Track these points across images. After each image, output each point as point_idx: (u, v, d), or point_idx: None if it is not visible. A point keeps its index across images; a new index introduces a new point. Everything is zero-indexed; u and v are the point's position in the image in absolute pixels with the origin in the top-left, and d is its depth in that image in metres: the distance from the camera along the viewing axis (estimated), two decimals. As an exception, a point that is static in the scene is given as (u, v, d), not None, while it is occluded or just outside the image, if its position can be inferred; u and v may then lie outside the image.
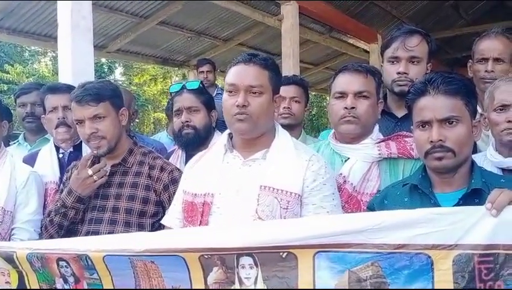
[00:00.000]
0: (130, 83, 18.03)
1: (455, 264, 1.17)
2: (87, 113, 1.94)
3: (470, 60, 2.34)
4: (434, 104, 1.41)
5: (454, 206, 1.37)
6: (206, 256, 1.36)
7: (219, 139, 1.76)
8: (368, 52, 8.16)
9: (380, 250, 1.21)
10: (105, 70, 16.65)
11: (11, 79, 13.50)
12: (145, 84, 18.44)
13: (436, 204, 1.42)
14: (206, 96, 2.34)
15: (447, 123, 1.40)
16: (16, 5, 5.33)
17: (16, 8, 5.42)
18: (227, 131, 1.73)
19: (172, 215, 1.77)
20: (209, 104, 2.33)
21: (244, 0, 6.12)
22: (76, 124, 2.01)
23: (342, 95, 1.80)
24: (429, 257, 1.18)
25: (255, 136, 1.63)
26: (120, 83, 16.97)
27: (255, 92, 1.58)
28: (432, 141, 1.40)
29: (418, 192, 1.49)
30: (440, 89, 1.41)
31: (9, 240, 2.11)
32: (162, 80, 17.84)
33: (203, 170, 1.69)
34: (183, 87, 2.32)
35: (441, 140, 1.39)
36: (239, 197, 1.58)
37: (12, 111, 2.99)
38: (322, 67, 9.51)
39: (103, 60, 15.73)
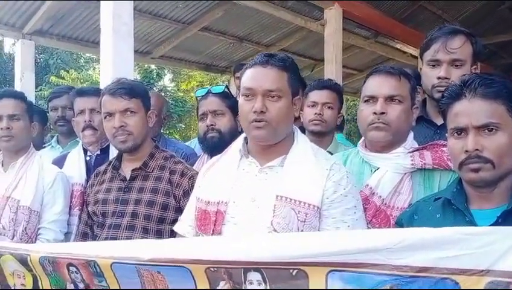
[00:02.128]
0: (178, 89, 18.43)
1: (488, 293, 1.01)
2: (120, 106, 1.95)
3: None
4: (470, 109, 1.25)
5: (492, 225, 1.20)
6: (212, 269, 1.27)
7: (234, 144, 1.66)
8: (416, 57, 7.82)
9: (401, 273, 1.06)
10: (154, 76, 17.08)
11: (66, 84, 14.14)
12: (192, 91, 18.78)
13: (472, 222, 1.26)
14: (232, 100, 2.27)
15: (486, 130, 1.23)
16: (65, 12, 5.53)
17: (65, 15, 5.62)
18: (242, 135, 1.63)
19: (185, 222, 1.69)
20: (235, 108, 2.24)
21: (286, 5, 6.03)
22: (105, 117, 1.99)
23: (372, 99, 1.67)
24: (457, 283, 1.02)
25: (274, 142, 1.53)
26: (168, 89, 17.38)
27: (274, 96, 1.48)
28: (467, 151, 1.24)
29: (452, 208, 1.33)
30: (477, 92, 1.24)
31: (35, 239, 2.14)
32: (209, 86, 18.08)
33: (217, 177, 1.60)
34: (209, 92, 2.27)
35: (477, 149, 1.22)
36: (254, 206, 1.48)
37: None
38: (367, 73, 9.21)
39: (152, 66, 16.18)
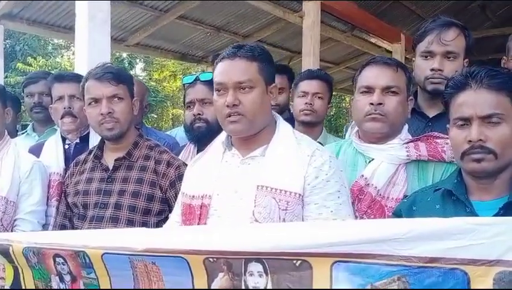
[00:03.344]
0: (150, 79, 18.11)
1: (496, 283, 1.01)
2: (107, 91, 1.86)
3: (504, 57, 2.17)
4: (475, 100, 1.25)
5: (493, 216, 1.20)
6: (211, 259, 1.23)
7: (218, 137, 1.63)
8: (390, 52, 7.93)
9: (408, 263, 1.04)
10: (126, 65, 16.71)
11: (42, 70, 13.62)
12: (165, 80, 18.50)
13: (473, 213, 1.26)
14: (221, 89, 2.21)
15: (489, 121, 1.24)
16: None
17: (36, -1, 5.39)
18: None
19: (172, 217, 1.67)
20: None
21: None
22: (89, 103, 1.89)
23: (368, 90, 1.65)
24: (466, 273, 1.02)
25: (252, 134, 1.51)
26: (140, 78, 17.06)
27: (245, 88, 1.45)
28: (470, 141, 1.24)
29: (452, 199, 1.33)
30: (483, 82, 1.24)
31: (11, 231, 2.03)
32: (181, 76, 17.84)
33: (202, 171, 1.58)
34: (197, 79, 2.19)
35: (481, 140, 1.22)
36: (237, 198, 1.46)
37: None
38: (342, 66, 9.30)
39: (124, 54, 15.80)
